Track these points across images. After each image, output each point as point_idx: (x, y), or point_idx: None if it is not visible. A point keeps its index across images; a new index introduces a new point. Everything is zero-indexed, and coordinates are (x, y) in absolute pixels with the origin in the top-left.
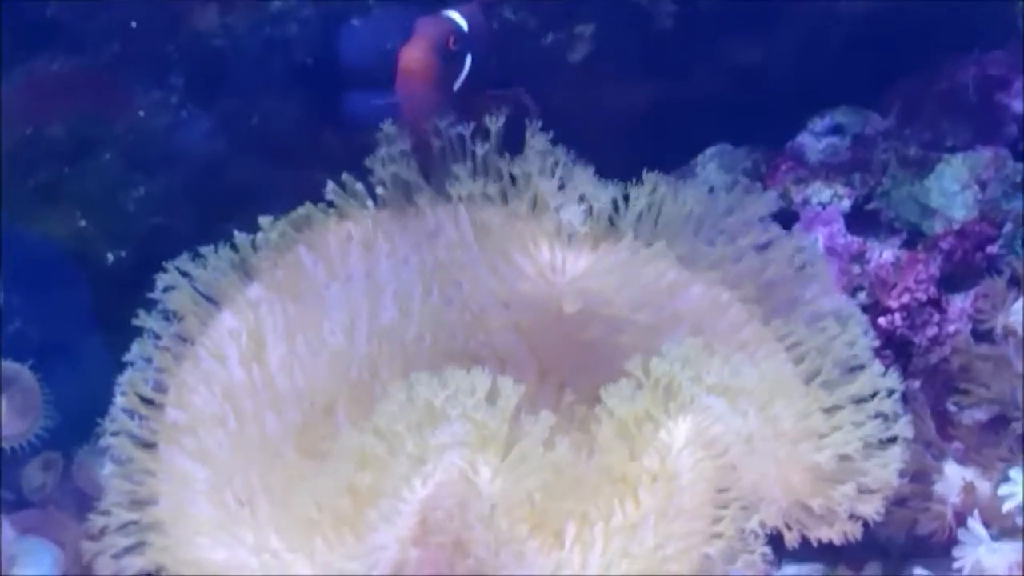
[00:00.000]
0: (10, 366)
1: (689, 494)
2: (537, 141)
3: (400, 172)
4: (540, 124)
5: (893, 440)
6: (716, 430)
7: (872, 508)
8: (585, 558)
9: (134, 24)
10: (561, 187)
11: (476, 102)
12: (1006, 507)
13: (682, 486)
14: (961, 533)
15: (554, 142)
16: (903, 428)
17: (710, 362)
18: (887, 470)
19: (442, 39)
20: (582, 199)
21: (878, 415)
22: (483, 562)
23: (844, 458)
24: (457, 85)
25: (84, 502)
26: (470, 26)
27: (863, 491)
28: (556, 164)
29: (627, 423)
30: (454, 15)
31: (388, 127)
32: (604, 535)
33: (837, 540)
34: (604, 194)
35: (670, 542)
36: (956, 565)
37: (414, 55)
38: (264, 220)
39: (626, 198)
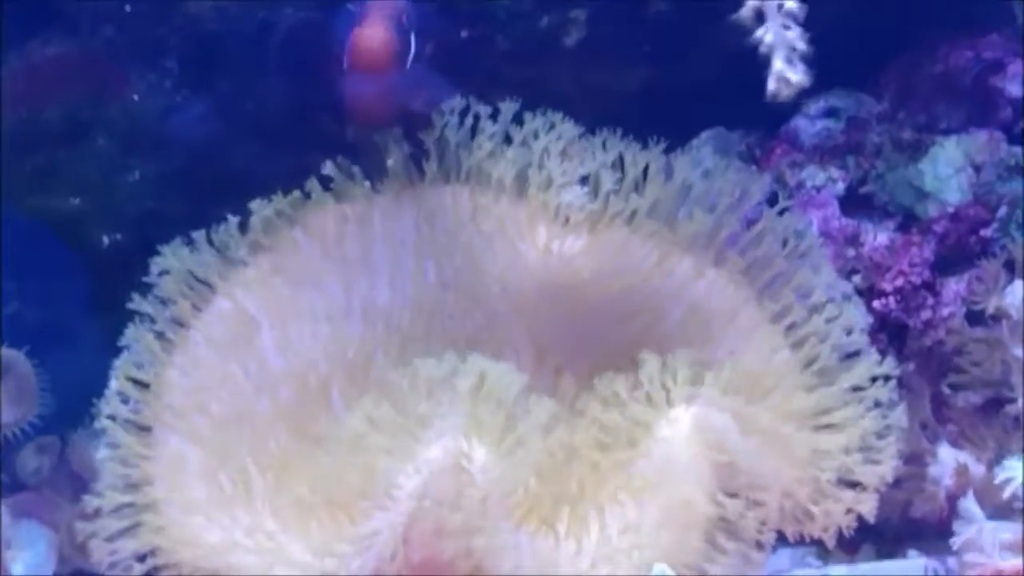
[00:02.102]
0: (7, 352)
1: (685, 484)
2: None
3: (397, 157)
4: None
5: (888, 429)
6: (713, 420)
7: (867, 506)
8: (580, 545)
9: (128, 7)
10: (561, 167)
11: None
12: (1007, 492)
13: (678, 476)
14: (960, 509)
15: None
16: (898, 417)
17: (707, 350)
18: (882, 465)
19: (396, 15)
20: (582, 181)
21: (875, 404)
22: (477, 547)
23: (841, 450)
24: (408, 62)
25: (80, 485)
26: (409, 9)
27: (858, 486)
28: (556, 145)
29: (625, 411)
30: None
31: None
32: (600, 523)
33: (832, 533)
34: (605, 176)
35: (666, 532)
36: (952, 540)
37: (371, 33)
38: (258, 203)
39: (623, 180)
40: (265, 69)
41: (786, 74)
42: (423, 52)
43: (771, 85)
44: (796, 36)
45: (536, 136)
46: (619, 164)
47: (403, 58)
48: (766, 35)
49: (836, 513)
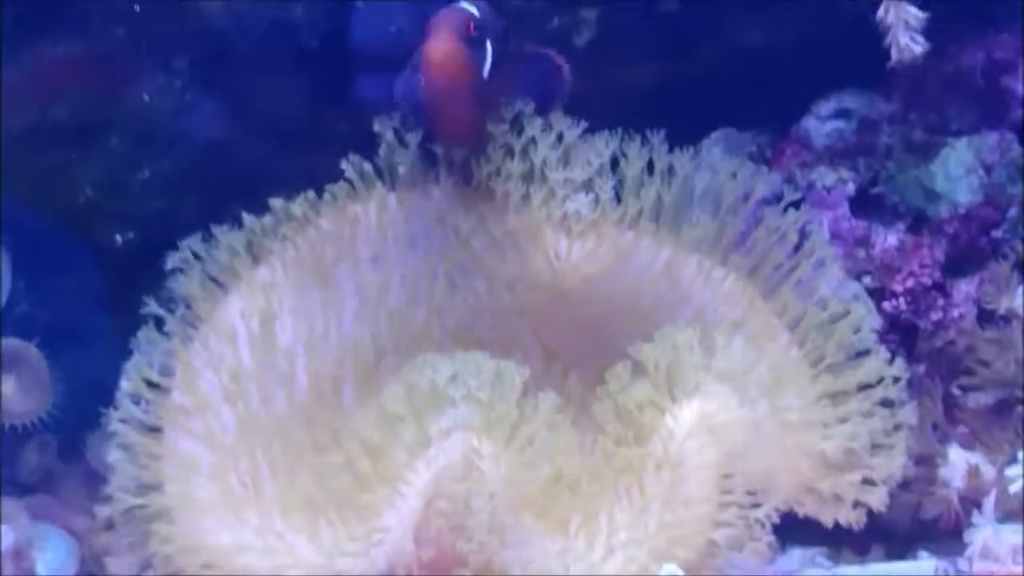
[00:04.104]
0: (18, 344)
1: (694, 481)
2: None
3: (409, 158)
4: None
5: (899, 428)
6: (722, 417)
7: (877, 499)
8: (590, 543)
9: (138, 7)
10: (568, 171)
11: (506, 78)
12: (1012, 489)
13: (687, 473)
14: (975, 515)
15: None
16: (908, 416)
17: (715, 347)
18: (893, 462)
19: (462, 27)
20: (588, 186)
21: (884, 403)
22: (487, 546)
23: (850, 449)
24: (486, 71)
25: (97, 484)
26: (483, 10)
27: (868, 482)
28: (564, 150)
29: (631, 409)
30: (465, 4)
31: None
32: (609, 520)
33: (844, 523)
34: (611, 180)
35: (675, 528)
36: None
37: (439, 48)
38: (273, 202)
39: (629, 183)
40: (277, 68)
41: (910, 45)
42: (503, 57)
43: (894, 55)
44: (913, 11)
45: (535, 142)
46: (625, 166)
47: (478, 69)
48: (887, 14)
49: (845, 504)
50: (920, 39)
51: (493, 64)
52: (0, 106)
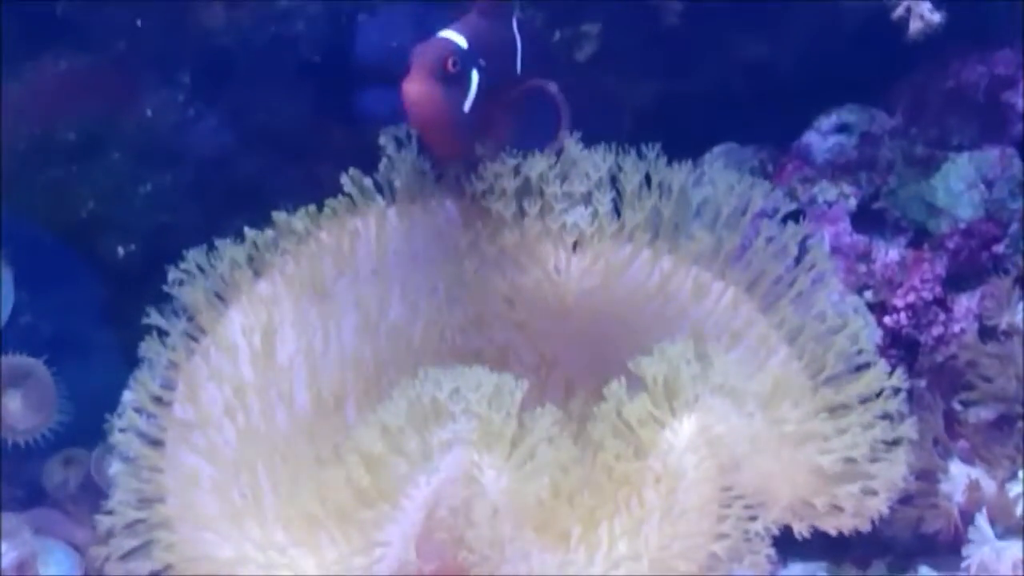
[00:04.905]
0: (25, 360)
1: (694, 494)
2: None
3: (409, 172)
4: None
5: (898, 442)
6: (720, 430)
7: (877, 508)
8: (591, 557)
9: (140, 22)
10: (566, 185)
11: (501, 106)
12: (1014, 503)
13: (687, 486)
14: (970, 531)
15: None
16: (908, 430)
17: (714, 361)
18: (892, 474)
19: (439, 64)
20: (587, 199)
21: (884, 416)
22: (488, 560)
23: (850, 461)
24: (468, 105)
25: (101, 499)
26: (472, 39)
27: (868, 493)
28: (562, 164)
29: (631, 423)
30: (450, 34)
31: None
32: (609, 534)
33: (846, 531)
34: (610, 193)
35: (675, 541)
36: (964, 564)
37: (413, 88)
38: (276, 216)
39: (627, 196)
40: (279, 82)
41: (927, 15)
42: (493, 86)
43: (914, 26)
44: None
45: (533, 160)
46: (623, 180)
47: (456, 104)
48: None
49: (845, 514)
50: (938, 13)
51: (491, 88)
52: (2, 120)
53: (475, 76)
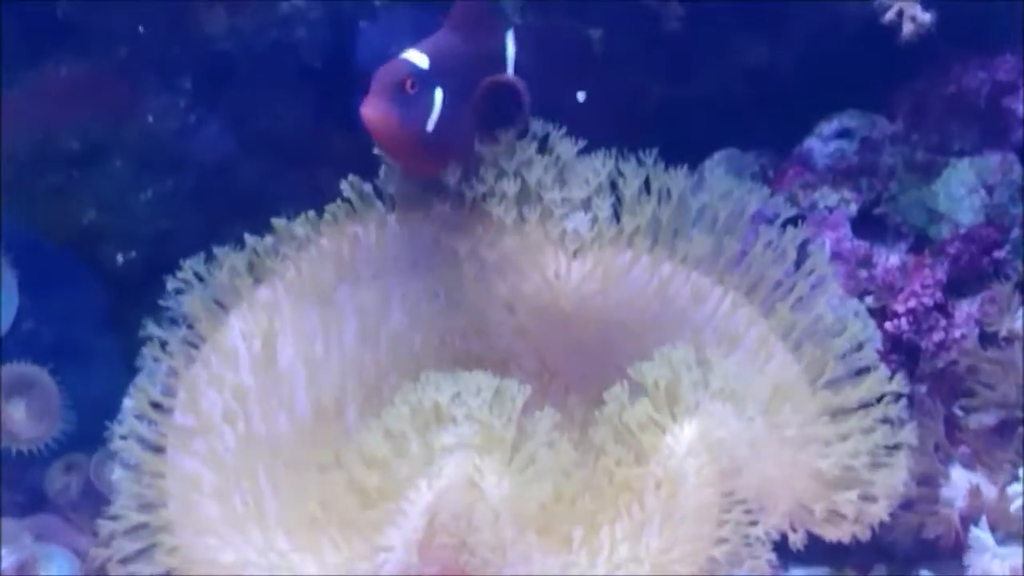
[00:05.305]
0: (30, 368)
1: (694, 498)
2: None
3: (407, 179)
4: (528, 111)
5: (899, 447)
6: (721, 435)
7: (878, 513)
8: (592, 560)
9: (142, 28)
10: (565, 190)
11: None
12: (1013, 507)
13: (687, 490)
14: (971, 539)
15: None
16: (909, 435)
17: (714, 366)
18: (893, 479)
19: (396, 87)
20: (587, 205)
21: (885, 420)
22: (490, 564)
23: (850, 466)
24: (432, 123)
25: (100, 504)
26: (436, 57)
27: (869, 498)
28: (560, 170)
29: (632, 428)
30: (412, 54)
31: None
32: (610, 538)
33: (845, 539)
34: (609, 198)
35: (676, 546)
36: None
37: (368, 110)
38: (276, 222)
39: (627, 202)
40: (281, 88)
41: (919, 16)
42: (458, 101)
43: (907, 27)
44: None
45: (531, 164)
46: (623, 185)
47: (415, 124)
48: None
49: (846, 520)
50: (928, 13)
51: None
52: (4, 126)
53: (438, 95)
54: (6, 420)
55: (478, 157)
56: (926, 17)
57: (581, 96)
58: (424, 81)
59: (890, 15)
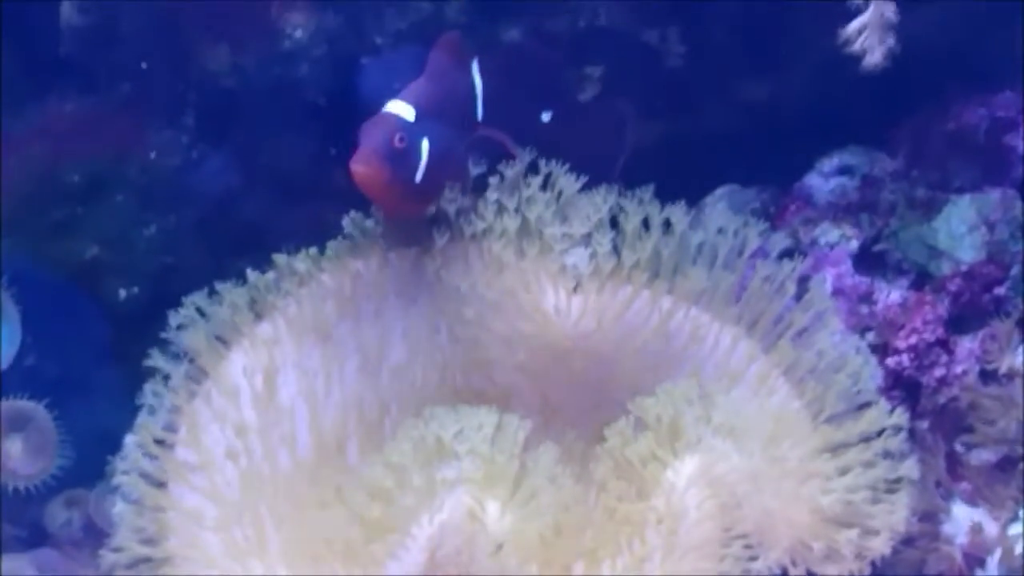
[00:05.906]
0: (27, 404)
1: (695, 533)
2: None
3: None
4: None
5: (900, 482)
6: (722, 469)
7: (879, 548)
8: None
9: (144, 64)
10: (565, 226)
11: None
12: (1017, 549)
13: (688, 525)
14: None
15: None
16: (910, 469)
17: (716, 401)
18: (894, 514)
19: (385, 142)
20: (587, 241)
21: (885, 455)
22: None
23: (851, 501)
24: (420, 174)
25: (100, 541)
26: (421, 106)
27: (870, 533)
28: (551, 209)
29: (634, 463)
30: (398, 106)
31: None
32: (611, 572)
33: None
34: (609, 234)
35: None
36: None
37: (359, 168)
38: (278, 257)
39: (627, 238)
40: (283, 124)
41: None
42: (443, 146)
43: (873, 57)
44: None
45: (532, 202)
46: (623, 221)
47: (404, 177)
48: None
49: (846, 557)
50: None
51: (446, 148)
52: (7, 162)
53: (425, 145)
54: (4, 456)
55: (471, 189)
56: (891, 40)
57: (546, 116)
58: (412, 133)
59: (860, 43)
